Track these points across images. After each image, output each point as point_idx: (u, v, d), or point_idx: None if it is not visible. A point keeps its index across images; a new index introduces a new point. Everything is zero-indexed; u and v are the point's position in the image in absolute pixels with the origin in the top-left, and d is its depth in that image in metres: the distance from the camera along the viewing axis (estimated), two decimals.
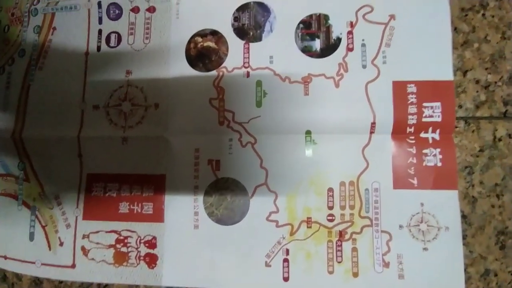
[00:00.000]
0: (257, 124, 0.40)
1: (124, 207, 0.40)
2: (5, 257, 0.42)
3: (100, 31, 0.42)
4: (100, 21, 0.42)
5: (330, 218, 0.38)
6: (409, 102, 0.38)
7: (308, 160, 0.38)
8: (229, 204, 0.38)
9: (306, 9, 0.40)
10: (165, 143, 0.40)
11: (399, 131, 0.38)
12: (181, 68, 0.40)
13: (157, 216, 0.40)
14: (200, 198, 0.40)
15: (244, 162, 0.40)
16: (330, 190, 0.38)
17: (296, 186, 0.38)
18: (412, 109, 0.37)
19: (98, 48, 0.41)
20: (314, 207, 0.38)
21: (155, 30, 0.41)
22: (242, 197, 0.40)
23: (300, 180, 0.39)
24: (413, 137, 0.38)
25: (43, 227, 0.41)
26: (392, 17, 0.38)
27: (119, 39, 0.41)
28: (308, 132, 0.38)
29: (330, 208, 0.38)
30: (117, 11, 0.41)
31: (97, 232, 0.41)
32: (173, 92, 0.41)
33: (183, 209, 0.40)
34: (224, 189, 0.39)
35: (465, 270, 0.37)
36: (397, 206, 0.39)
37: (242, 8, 0.40)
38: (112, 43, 0.41)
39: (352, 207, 0.37)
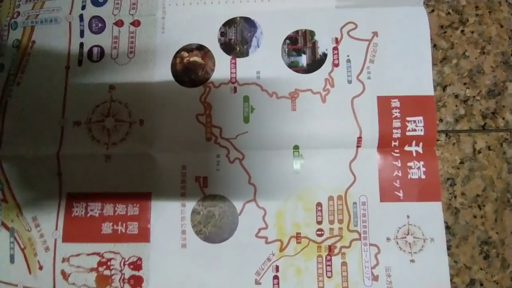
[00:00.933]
0: (245, 140, 0.39)
1: (107, 228, 0.37)
2: None
3: (81, 45, 0.39)
4: (82, 34, 0.39)
5: (319, 233, 0.37)
6: (393, 116, 0.38)
7: (296, 175, 0.38)
8: (217, 222, 0.37)
9: (292, 25, 0.39)
10: (150, 160, 0.39)
11: (384, 145, 0.38)
12: (166, 83, 0.39)
13: (143, 235, 0.38)
14: (188, 216, 0.38)
15: (232, 179, 0.39)
16: (319, 204, 0.37)
17: (284, 202, 0.38)
18: (396, 123, 0.37)
19: (80, 62, 0.39)
20: (303, 223, 0.38)
21: (140, 45, 0.39)
22: (231, 214, 0.38)
23: (289, 196, 0.38)
24: (397, 151, 0.38)
25: (22, 249, 0.39)
26: (375, 34, 0.38)
27: (102, 53, 0.39)
28: (296, 147, 0.37)
29: (319, 223, 0.37)
30: (99, 25, 0.39)
31: (78, 255, 0.38)
32: (159, 107, 0.39)
33: (169, 228, 0.38)
34: (212, 206, 0.38)
35: (450, 280, 0.37)
36: (384, 219, 0.38)
37: (229, 23, 0.39)
38: (95, 57, 0.39)
39: (340, 221, 0.36)
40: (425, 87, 0.39)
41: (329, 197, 0.38)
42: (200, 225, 0.37)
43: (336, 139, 0.39)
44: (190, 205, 0.39)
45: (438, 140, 0.37)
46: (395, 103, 0.38)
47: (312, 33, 0.38)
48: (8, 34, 0.40)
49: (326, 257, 0.38)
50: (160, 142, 0.39)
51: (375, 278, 0.37)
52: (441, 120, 0.38)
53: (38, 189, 0.39)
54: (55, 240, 0.39)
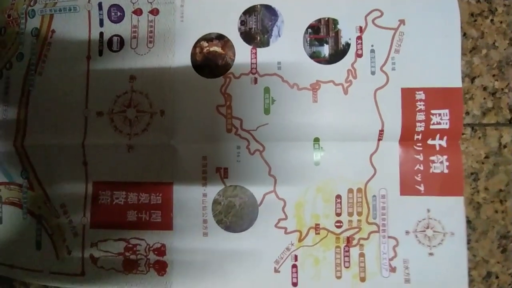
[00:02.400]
0: (265, 131, 0.37)
1: (132, 215, 0.36)
2: (12, 266, 0.39)
3: (101, 34, 0.37)
4: (101, 23, 0.37)
5: (338, 224, 0.35)
6: (418, 109, 0.36)
7: (316, 167, 0.36)
8: (238, 212, 0.35)
9: (315, 13, 0.36)
10: (172, 151, 0.37)
11: (406, 138, 0.36)
12: (186, 73, 0.37)
13: (166, 224, 0.38)
14: (209, 206, 0.37)
15: (253, 170, 0.37)
16: (338, 197, 0.35)
17: (304, 193, 0.37)
18: (420, 116, 0.34)
19: (100, 52, 0.37)
20: (322, 214, 0.37)
21: (159, 34, 0.36)
22: (251, 205, 0.37)
23: (308, 187, 0.37)
24: (420, 144, 0.36)
25: (50, 235, 0.39)
26: (402, 22, 0.34)
27: (121, 42, 0.37)
28: (316, 139, 0.35)
29: (338, 214, 0.35)
30: (118, 13, 0.36)
31: (105, 240, 0.38)
32: (179, 98, 0.37)
33: (191, 217, 0.38)
34: (232, 196, 0.37)
35: (468, 273, 0.35)
36: (403, 212, 0.37)
37: (249, 12, 0.35)
38: (115, 47, 0.37)
39: (359, 214, 0.35)
40: (453, 78, 0.36)
41: (348, 189, 0.37)
42: (221, 215, 0.37)
43: (357, 132, 0.37)
44: (211, 195, 0.38)
45: (463, 134, 0.34)
46: (420, 95, 0.35)
47: (335, 22, 0.35)
48: (26, 22, 0.39)
49: (344, 248, 0.37)
50: (181, 133, 0.38)
51: (393, 269, 0.36)
52: (467, 113, 0.34)
53: (65, 178, 0.39)
54: (83, 226, 0.39)
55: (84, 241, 0.39)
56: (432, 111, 0.35)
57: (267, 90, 0.36)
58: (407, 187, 0.37)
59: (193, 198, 0.38)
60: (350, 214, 0.36)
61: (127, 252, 0.38)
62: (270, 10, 0.36)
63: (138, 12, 0.37)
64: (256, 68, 0.36)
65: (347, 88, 0.35)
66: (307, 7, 0.36)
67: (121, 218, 0.38)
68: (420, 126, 0.35)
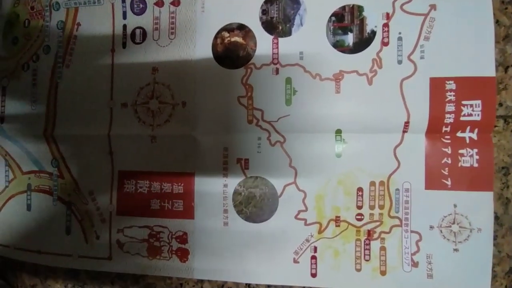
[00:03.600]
0: (286, 123, 0.31)
1: (155, 204, 0.32)
2: (39, 252, 0.35)
3: (124, 27, 0.31)
4: (125, 16, 0.30)
5: (359, 217, 0.29)
6: (447, 100, 0.29)
7: (337, 159, 0.31)
8: (258, 203, 0.31)
9: (339, 0, 0.26)
10: (193, 142, 0.32)
11: (434, 130, 0.29)
12: (207, 65, 0.32)
13: (187, 213, 0.33)
14: (229, 196, 0.32)
15: (273, 161, 0.31)
16: (360, 189, 0.29)
17: (325, 185, 0.31)
18: (450, 108, 0.28)
19: (124, 45, 0.31)
20: (343, 206, 0.31)
21: (180, 25, 0.30)
22: (271, 196, 0.31)
23: (329, 179, 0.31)
24: (448, 137, 0.29)
25: (79, 221, 0.35)
26: (433, 7, 0.26)
27: (144, 34, 0.32)
28: (339, 131, 0.30)
29: (359, 207, 0.28)
30: (141, 5, 0.30)
31: (131, 227, 0.34)
32: (200, 89, 0.32)
33: (212, 207, 0.32)
34: (253, 187, 0.31)
35: (492, 269, 0.28)
36: (428, 207, 0.30)
37: (271, 0, 0.27)
38: (138, 39, 0.31)
39: (381, 207, 0.27)
40: (486, 67, 0.29)
41: (370, 182, 0.30)
42: (241, 205, 0.31)
43: (381, 124, 0.30)
44: (232, 185, 0.32)
45: (495, 126, 0.25)
46: (450, 85, 0.29)
47: (360, 9, 0.27)
48: (51, 15, 0.34)
49: (364, 241, 0.31)
50: (202, 124, 0.32)
51: (415, 264, 0.30)
52: (500, 104, 0.26)
53: (93, 167, 0.34)
54: (110, 212, 0.34)
55: (111, 227, 0.34)
56: (463, 102, 0.29)
57: (288, 80, 0.29)
58: (433, 181, 0.30)
59: (214, 189, 0.32)
60: (372, 207, 0.29)
61: (151, 238, 0.33)
62: (292, 1, 0.28)
63: (159, 3, 0.30)
64: (277, 59, 0.29)
65: (371, 78, 0.28)
66: None
67: (145, 206, 0.33)
68: (450, 118, 0.28)
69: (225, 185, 0.30)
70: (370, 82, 0.28)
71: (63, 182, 0.34)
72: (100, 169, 0.33)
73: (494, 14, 0.27)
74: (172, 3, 0.31)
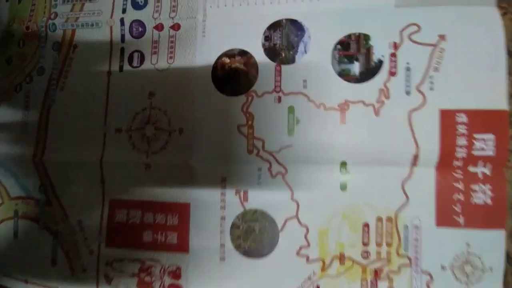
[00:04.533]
0: (288, 153, 0.25)
1: (147, 236, 0.27)
2: (26, 281, 0.28)
3: (122, 50, 0.28)
4: (123, 39, 0.28)
5: (365, 255, 0.25)
6: (459, 133, 0.24)
7: (342, 192, 0.25)
8: (257, 237, 0.26)
9: (344, 28, 0.26)
10: (190, 170, 0.26)
11: (445, 165, 0.24)
12: (207, 91, 0.27)
13: (182, 246, 0.27)
14: (227, 229, 0.26)
15: (274, 194, 0.26)
16: (366, 225, 0.25)
17: (329, 220, 0.25)
18: (461, 141, 0.24)
19: (121, 68, 0.28)
20: (347, 243, 0.25)
21: (180, 49, 0.26)
22: (271, 230, 0.26)
23: (334, 214, 0.25)
24: (460, 171, 0.24)
25: (66, 252, 0.28)
26: (442, 37, 0.21)
27: (142, 58, 0.28)
28: (343, 163, 0.25)
29: (365, 244, 0.25)
30: (140, 29, 0.26)
31: (121, 260, 0.27)
32: (199, 116, 0.27)
33: (208, 240, 0.26)
34: (252, 221, 0.26)
35: None
36: (439, 245, 0.24)
37: (274, 26, 0.22)
38: (135, 63, 0.27)
39: (389, 244, 0.23)
40: (499, 100, 0.24)
41: (377, 217, 0.25)
42: (239, 239, 0.26)
43: (389, 156, 0.24)
44: (230, 218, 0.26)
45: (508, 161, 0.20)
46: (461, 117, 0.24)
47: (367, 37, 0.22)
48: (46, 36, 0.29)
49: (371, 281, 0.25)
50: (200, 153, 0.26)
51: None
52: None
53: (83, 195, 0.28)
54: (99, 243, 0.28)
55: (99, 259, 0.28)
56: (475, 136, 0.24)
57: (291, 109, 0.25)
58: (444, 218, 0.24)
59: (211, 221, 0.26)
60: (379, 244, 0.25)
61: (142, 273, 0.27)
62: (296, 25, 0.23)
63: (159, 27, 0.25)
64: (280, 86, 0.23)
65: (378, 109, 0.24)
66: (336, 22, 0.25)
67: (136, 238, 0.27)
68: (461, 152, 0.24)
69: (223, 218, 0.24)
70: (377, 113, 0.22)
71: (51, 209, 0.28)
72: (90, 198, 0.28)
73: (506, 45, 0.22)
74: (172, 27, 0.25)
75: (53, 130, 0.27)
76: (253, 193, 0.24)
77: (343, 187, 0.24)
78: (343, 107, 0.24)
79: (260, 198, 0.24)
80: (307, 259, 0.24)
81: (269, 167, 0.24)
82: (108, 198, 0.26)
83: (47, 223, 0.27)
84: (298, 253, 0.24)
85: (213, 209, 0.25)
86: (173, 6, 0.26)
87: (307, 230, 0.24)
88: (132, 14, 0.26)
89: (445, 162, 0.23)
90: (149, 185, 0.26)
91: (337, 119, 0.24)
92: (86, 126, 0.26)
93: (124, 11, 0.26)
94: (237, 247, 0.24)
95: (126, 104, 0.26)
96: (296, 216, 0.24)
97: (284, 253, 0.24)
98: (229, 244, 0.24)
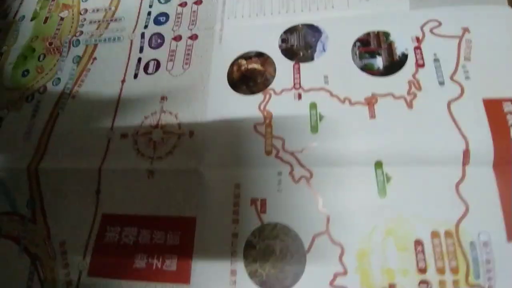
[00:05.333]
0: (312, 153, 0.19)
1: (140, 261, 0.18)
2: None
3: (139, 59, 0.25)
4: (141, 50, 0.26)
5: (424, 286, 0.13)
6: (510, 123, 0.15)
7: (381, 200, 0.18)
8: (278, 261, 0.16)
9: (362, 29, 0.21)
10: (198, 177, 0.20)
11: (503, 162, 0.17)
12: (221, 91, 0.22)
13: (182, 274, 0.18)
14: (240, 250, 0.18)
15: (298, 203, 0.19)
16: (419, 243, 0.16)
17: (369, 237, 0.17)
18: None
19: (135, 76, 0.24)
20: (398, 269, 0.16)
21: (196, 56, 0.23)
22: (296, 251, 0.18)
23: (374, 228, 0.18)
24: None
25: (42, 282, 0.21)
26: (465, 30, 0.18)
27: (157, 65, 0.25)
28: (379, 164, 0.18)
29: (422, 271, 0.14)
30: (159, 40, 0.25)
31: None
32: (212, 118, 0.22)
33: (216, 266, 0.18)
34: (271, 238, 0.18)
35: None
36: None
37: (290, 30, 0.19)
38: (150, 70, 0.24)
39: (454, 270, 0.14)
40: None
41: (432, 232, 0.17)
42: (255, 264, 0.17)
43: (434, 154, 0.18)
44: (244, 235, 0.19)
45: None
46: (509, 106, 0.18)
47: (386, 34, 0.18)
48: (69, 51, 0.27)
49: None
50: (210, 157, 0.21)
51: None
52: None
53: (73, 208, 0.22)
54: (80, 272, 0.20)
55: None
56: None
57: (313, 105, 0.20)
58: None
59: (220, 239, 0.19)
60: (441, 270, 0.16)
61: None
62: (313, 28, 0.20)
63: (177, 38, 0.23)
64: (300, 83, 0.19)
65: (411, 102, 0.19)
66: (353, 24, 0.22)
67: (126, 264, 0.19)
68: None
69: (235, 235, 0.17)
70: (410, 105, 0.17)
71: (34, 228, 0.22)
72: (80, 212, 0.21)
73: None
74: (190, 38, 0.22)
75: (55, 138, 0.22)
76: (273, 203, 0.17)
77: (382, 192, 0.16)
78: (371, 100, 0.18)
79: (281, 209, 0.17)
80: None
81: (290, 171, 0.17)
82: (101, 212, 0.19)
83: (27, 244, 0.19)
84: (332, 284, 0.16)
85: (223, 223, 0.17)
86: (192, 21, 0.23)
87: (342, 250, 0.16)
88: (153, 29, 0.24)
89: (503, 159, 0.16)
90: (150, 195, 0.19)
91: (366, 114, 0.18)
92: (91, 133, 0.22)
93: (146, 27, 0.24)
94: (252, 274, 0.16)
95: (136, 109, 0.21)
96: (327, 232, 0.16)
97: (314, 284, 0.16)
98: (241, 271, 0.16)
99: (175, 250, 0.18)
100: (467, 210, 0.16)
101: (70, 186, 0.21)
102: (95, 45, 0.25)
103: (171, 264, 0.18)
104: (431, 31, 0.20)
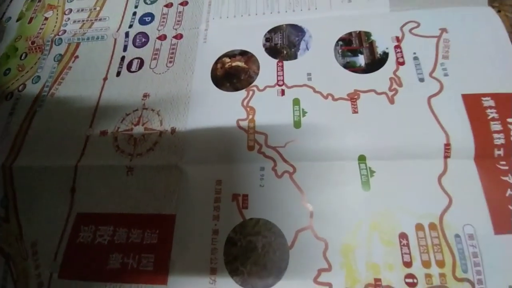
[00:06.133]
0: (295, 148, 0.20)
1: (115, 260, 0.18)
2: None
3: (123, 58, 0.26)
4: (125, 48, 0.26)
5: (410, 280, 0.15)
6: (490, 118, 0.19)
7: (366, 194, 0.19)
8: (260, 258, 0.17)
9: (344, 28, 0.24)
10: (178, 173, 0.20)
11: (484, 155, 0.18)
12: (205, 88, 0.23)
13: (158, 275, 0.18)
14: (220, 247, 0.18)
15: (281, 198, 0.19)
16: (403, 236, 0.17)
17: (354, 231, 0.18)
18: (496, 126, 0.19)
19: (118, 74, 0.25)
20: (383, 263, 0.17)
21: (180, 55, 0.23)
22: (279, 247, 0.18)
23: (359, 223, 0.18)
24: (504, 162, 0.18)
25: (15, 282, 0.20)
26: (443, 30, 0.20)
27: (141, 64, 0.25)
28: (362, 158, 0.19)
29: (407, 264, 0.16)
30: (143, 39, 0.25)
31: None
32: (194, 114, 0.22)
33: (195, 264, 0.18)
34: (253, 234, 0.18)
35: None
36: (503, 259, 0.16)
37: (274, 30, 0.20)
38: (134, 68, 0.24)
39: (440, 264, 0.15)
40: None
41: (417, 225, 0.18)
42: (236, 261, 0.18)
43: (415, 147, 0.19)
44: (225, 232, 0.19)
45: None
46: (488, 101, 0.20)
47: (368, 34, 0.21)
48: (50, 49, 0.27)
49: None
50: (192, 152, 0.21)
51: None
52: None
53: (46, 207, 0.22)
54: (51, 274, 0.20)
55: None
56: (509, 120, 0.19)
57: (296, 101, 0.21)
58: (503, 222, 0.17)
59: (200, 236, 0.19)
60: (426, 263, 0.17)
61: None
62: (297, 28, 0.21)
63: (162, 37, 0.24)
64: (283, 80, 0.20)
65: (392, 97, 0.21)
66: (335, 24, 0.24)
67: (100, 265, 0.19)
68: (499, 138, 0.19)
69: (215, 231, 0.17)
70: (391, 100, 0.18)
71: (7, 226, 0.21)
72: (53, 211, 0.21)
73: (509, 35, 0.20)
74: (175, 37, 0.23)
75: (32, 135, 0.22)
76: (255, 198, 0.17)
77: (366, 186, 0.17)
78: (353, 96, 0.19)
79: (264, 205, 0.17)
80: None
81: (273, 166, 0.18)
82: (76, 211, 0.19)
83: (1, 243, 0.19)
84: (316, 280, 0.16)
85: (204, 220, 0.17)
86: (178, 21, 0.24)
87: (326, 245, 0.16)
88: (138, 28, 0.25)
89: (484, 152, 0.17)
90: (128, 192, 0.19)
91: (348, 109, 0.19)
92: (69, 131, 0.22)
93: (130, 26, 0.25)
94: (234, 272, 0.16)
95: (117, 106, 0.22)
96: (311, 227, 0.17)
97: (298, 281, 0.16)
98: (222, 269, 0.16)
99: (152, 248, 0.18)
100: (450, 202, 0.17)
101: (45, 184, 0.20)
102: (78, 44, 0.25)
103: (148, 264, 0.17)
104: (410, 31, 0.21)
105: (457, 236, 0.16)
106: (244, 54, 0.22)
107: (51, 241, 0.19)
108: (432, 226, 0.16)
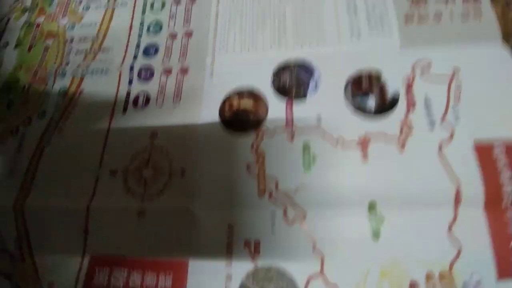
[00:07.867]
0: (306, 194, 0.22)
1: None
2: None
3: (128, 93, 0.27)
4: (130, 82, 0.28)
5: None
6: (500, 164, 0.21)
7: (376, 241, 0.21)
8: None
9: (354, 66, 0.25)
10: (190, 217, 0.22)
11: (493, 203, 0.20)
12: (213, 130, 0.24)
13: None
14: None
15: (292, 244, 0.21)
16: (413, 285, 0.19)
17: (364, 278, 0.20)
18: (507, 174, 0.21)
19: (124, 110, 0.27)
20: None
21: (187, 91, 0.26)
22: None
23: (369, 270, 0.20)
24: None
25: None
26: (456, 69, 0.18)
27: (147, 100, 0.27)
28: (372, 205, 0.21)
29: None
30: (148, 73, 0.28)
31: None
32: (203, 156, 0.24)
33: None
34: (266, 280, 0.20)
35: None
36: None
37: (283, 67, 0.19)
38: (140, 104, 0.27)
39: None
40: None
41: (427, 274, 0.20)
42: None
43: (426, 195, 0.21)
44: (237, 278, 0.21)
45: None
46: (499, 148, 0.21)
47: (378, 74, 0.21)
48: (54, 81, 0.28)
49: None
50: (202, 196, 0.23)
51: None
52: None
53: (60, 249, 0.23)
54: None
55: None
56: None
57: (306, 146, 0.23)
58: (506, 268, 0.19)
59: (214, 282, 0.21)
60: None
61: None
62: (306, 64, 0.22)
63: (167, 71, 0.23)
64: (292, 122, 0.23)
65: (403, 143, 0.22)
66: (345, 61, 0.25)
67: None
68: (510, 187, 0.20)
69: (229, 277, 0.19)
70: (402, 146, 0.20)
71: (23, 266, 0.23)
72: (67, 253, 0.23)
73: None
74: (181, 72, 0.24)
75: (42, 174, 0.24)
76: (266, 245, 0.19)
77: (376, 234, 0.19)
78: (363, 140, 0.20)
79: (275, 251, 0.19)
80: None
81: (284, 212, 0.20)
82: (89, 254, 0.21)
83: (19, 282, 0.21)
84: None
85: (216, 266, 0.19)
86: (183, 53, 0.26)
87: None
88: (142, 61, 0.26)
89: (493, 200, 0.19)
90: (141, 237, 0.21)
91: (358, 154, 0.20)
92: (78, 169, 0.23)
93: (135, 57, 0.26)
94: None
95: (125, 145, 0.23)
96: (322, 273, 0.18)
97: None
98: None
99: None
100: (460, 250, 0.19)
101: (57, 225, 0.22)
102: (82, 78, 0.27)
103: None
104: (422, 70, 0.23)
105: (465, 283, 0.18)
106: (252, 93, 0.24)
107: (68, 282, 0.21)
108: (442, 276, 0.18)
